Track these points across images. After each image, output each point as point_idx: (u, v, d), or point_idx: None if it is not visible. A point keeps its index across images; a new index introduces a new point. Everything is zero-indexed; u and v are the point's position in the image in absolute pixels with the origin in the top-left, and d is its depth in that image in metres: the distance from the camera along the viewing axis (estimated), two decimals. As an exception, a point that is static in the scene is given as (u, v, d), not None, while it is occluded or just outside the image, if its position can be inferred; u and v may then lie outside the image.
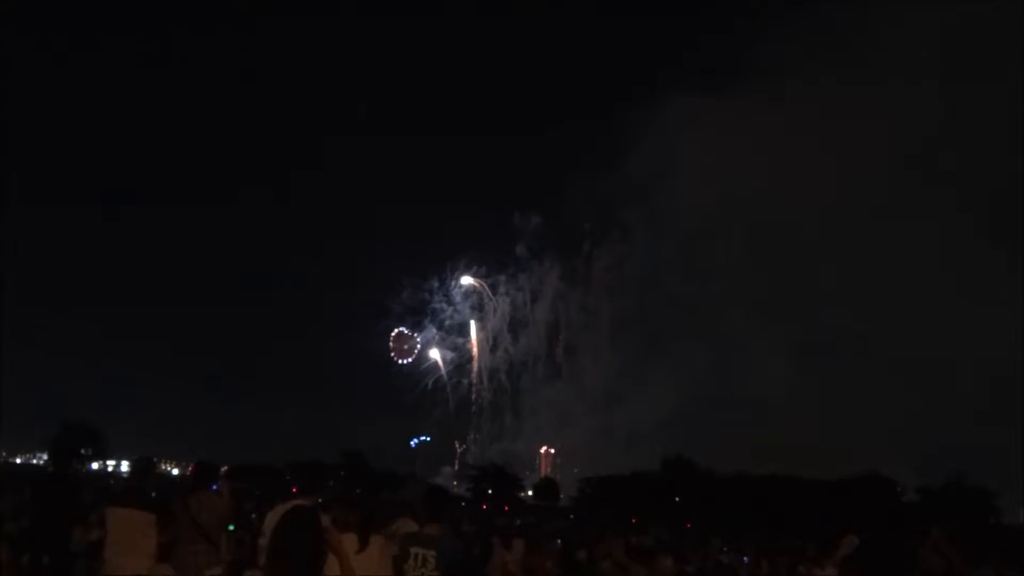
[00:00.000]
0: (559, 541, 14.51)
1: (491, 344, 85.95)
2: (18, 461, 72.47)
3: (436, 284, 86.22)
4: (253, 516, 13.64)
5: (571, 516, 49.91)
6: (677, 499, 52.97)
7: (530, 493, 64.26)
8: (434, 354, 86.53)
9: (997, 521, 47.20)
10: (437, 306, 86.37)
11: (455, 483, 67.47)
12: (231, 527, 7.57)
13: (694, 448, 60.13)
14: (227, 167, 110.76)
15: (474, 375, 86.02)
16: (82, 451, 58.16)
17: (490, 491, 59.19)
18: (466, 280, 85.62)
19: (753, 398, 70.85)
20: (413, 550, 5.74)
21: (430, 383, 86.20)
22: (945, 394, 64.20)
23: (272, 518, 5.99)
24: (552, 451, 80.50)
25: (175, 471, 65.38)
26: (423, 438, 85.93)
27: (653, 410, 70.54)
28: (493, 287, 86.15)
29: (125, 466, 72.65)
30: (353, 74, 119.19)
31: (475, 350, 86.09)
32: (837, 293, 72.19)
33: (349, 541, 4.82)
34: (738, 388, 72.82)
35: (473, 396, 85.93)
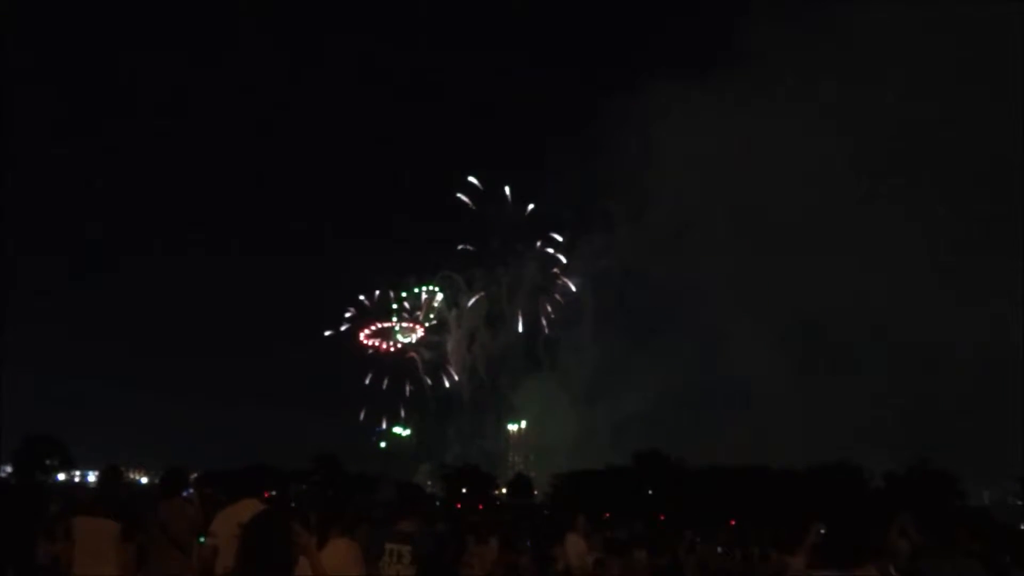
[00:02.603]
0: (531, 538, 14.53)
1: (468, 340, 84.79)
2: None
3: (412, 280, 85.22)
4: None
5: (545, 512, 50.02)
6: (650, 492, 53.36)
7: (504, 491, 64.22)
8: (411, 352, 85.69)
9: (962, 503, 48.19)
10: (412, 303, 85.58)
11: (429, 483, 67.21)
12: (202, 539, 7.48)
13: (676, 441, 60.23)
14: (206, 180, 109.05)
15: (452, 372, 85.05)
16: (47, 462, 57.19)
17: (464, 490, 59.08)
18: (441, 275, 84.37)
19: (736, 390, 70.89)
20: (388, 546, 5.74)
21: (407, 382, 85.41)
22: (925, 382, 64.69)
23: (221, 520, 5.95)
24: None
25: (144, 479, 64.48)
26: (397, 429, 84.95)
27: (634, 404, 70.10)
28: (469, 281, 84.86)
29: (92, 476, 71.53)
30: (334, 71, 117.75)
31: (451, 346, 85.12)
32: (822, 283, 72.00)
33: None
34: (721, 380, 72.66)
35: (448, 391, 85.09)
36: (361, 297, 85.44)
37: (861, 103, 69.33)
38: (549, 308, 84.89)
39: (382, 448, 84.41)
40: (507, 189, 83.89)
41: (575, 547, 9.94)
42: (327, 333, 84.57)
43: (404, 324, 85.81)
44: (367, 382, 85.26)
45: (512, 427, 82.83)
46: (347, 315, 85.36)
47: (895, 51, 66.99)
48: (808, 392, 70.33)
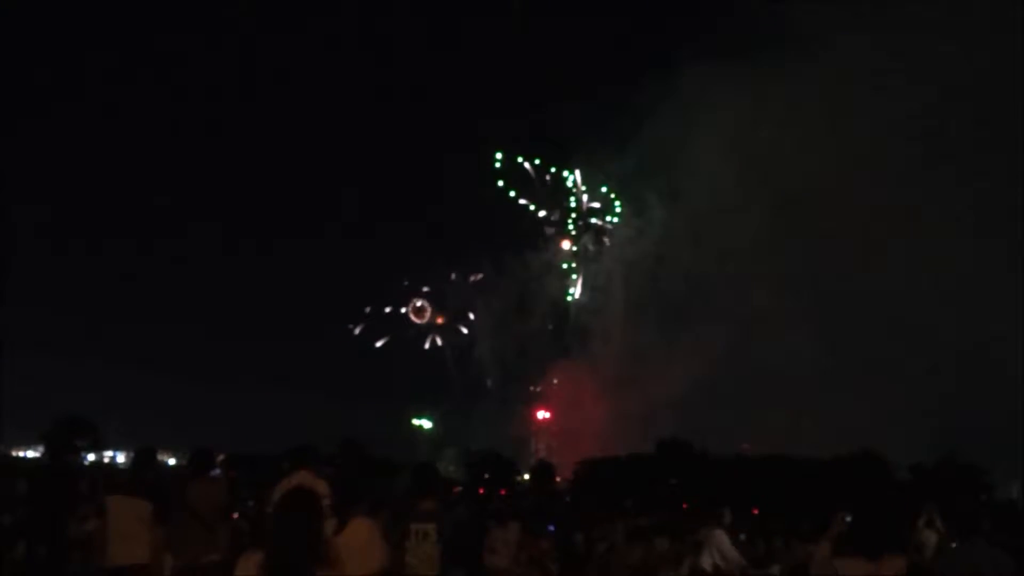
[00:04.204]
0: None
1: (497, 325, 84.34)
2: (15, 454, 72.39)
3: (441, 264, 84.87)
4: (250, 503, 13.72)
5: (567, 499, 50.11)
6: (673, 480, 53.33)
7: (526, 477, 64.36)
8: (438, 338, 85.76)
9: (990, 496, 47.74)
10: (440, 288, 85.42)
11: (452, 467, 67.57)
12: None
13: (707, 430, 59.46)
14: (231, 166, 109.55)
15: (479, 357, 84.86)
16: (77, 443, 58.18)
17: (487, 476, 59.28)
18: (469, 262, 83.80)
19: (769, 379, 69.32)
20: (413, 527, 5.79)
21: (433, 369, 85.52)
22: (958, 375, 63.13)
23: (280, 491, 6.06)
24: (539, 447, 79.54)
25: (171, 460, 65.44)
26: (422, 415, 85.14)
27: (665, 391, 69.00)
28: (498, 266, 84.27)
29: (121, 457, 72.72)
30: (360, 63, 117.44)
31: (479, 332, 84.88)
32: (861, 272, 69.96)
33: (329, 525, 4.89)
34: (754, 369, 70.99)
35: (475, 377, 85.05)
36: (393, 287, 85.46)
37: (906, 85, 66.62)
38: (579, 294, 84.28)
39: (407, 433, 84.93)
40: (529, 168, 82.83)
41: (722, 542, 9.03)
42: (349, 326, 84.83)
43: (427, 313, 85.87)
44: (393, 368, 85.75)
45: (537, 387, 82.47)
46: (367, 309, 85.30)
47: (943, 27, 63.85)
48: (841, 382, 68.95)
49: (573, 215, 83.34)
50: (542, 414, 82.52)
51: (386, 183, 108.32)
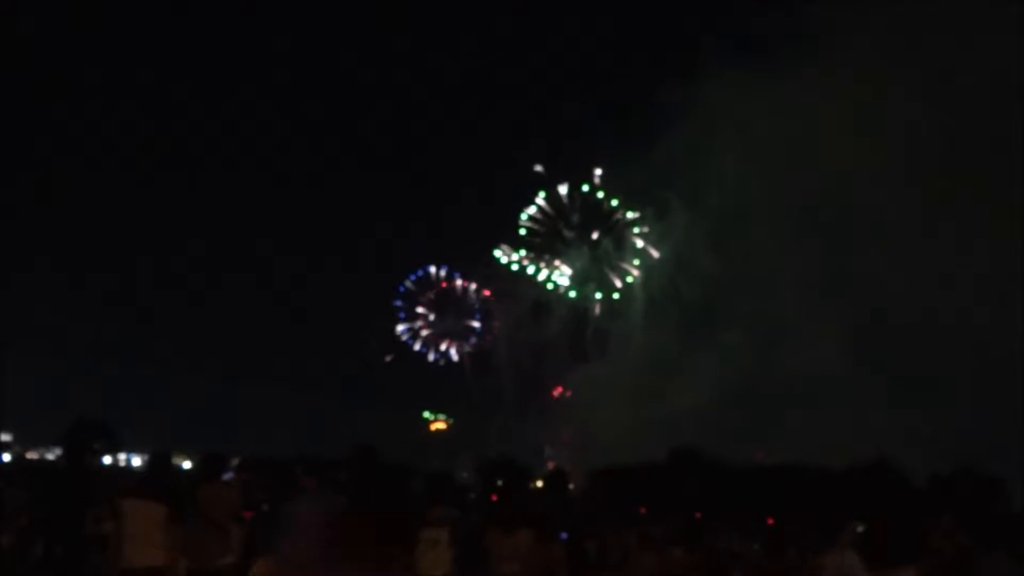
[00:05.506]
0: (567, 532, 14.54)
1: (513, 329, 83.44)
2: (30, 456, 72.99)
3: (457, 266, 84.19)
4: (264, 507, 13.81)
5: (580, 507, 49.87)
6: (686, 489, 52.97)
7: (539, 484, 63.83)
8: (454, 343, 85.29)
9: (1008, 507, 47.12)
10: (455, 291, 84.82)
11: (465, 474, 67.28)
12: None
13: (729, 439, 58.64)
14: (238, 164, 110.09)
15: (496, 362, 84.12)
16: (94, 445, 58.52)
17: (500, 482, 58.93)
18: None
19: (793, 388, 68.24)
20: (424, 534, 5.82)
21: (450, 373, 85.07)
22: (979, 384, 61.93)
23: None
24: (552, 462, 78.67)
25: (187, 464, 65.97)
26: (438, 419, 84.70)
27: (686, 400, 68.10)
28: (517, 271, 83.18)
29: (136, 460, 73.15)
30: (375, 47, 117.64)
31: (496, 336, 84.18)
32: (888, 280, 68.69)
33: None
34: (777, 378, 69.91)
35: (491, 382, 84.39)
36: (407, 286, 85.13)
37: (936, 91, 65.44)
38: (599, 299, 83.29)
39: (421, 438, 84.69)
40: (537, 166, 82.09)
41: (851, 561, 7.96)
42: (372, 344, 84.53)
43: (445, 318, 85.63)
44: (405, 374, 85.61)
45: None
46: (379, 325, 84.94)
47: (979, 33, 62.58)
48: (866, 392, 67.89)
49: (592, 217, 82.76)
50: (560, 393, 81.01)
51: (397, 188, 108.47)
